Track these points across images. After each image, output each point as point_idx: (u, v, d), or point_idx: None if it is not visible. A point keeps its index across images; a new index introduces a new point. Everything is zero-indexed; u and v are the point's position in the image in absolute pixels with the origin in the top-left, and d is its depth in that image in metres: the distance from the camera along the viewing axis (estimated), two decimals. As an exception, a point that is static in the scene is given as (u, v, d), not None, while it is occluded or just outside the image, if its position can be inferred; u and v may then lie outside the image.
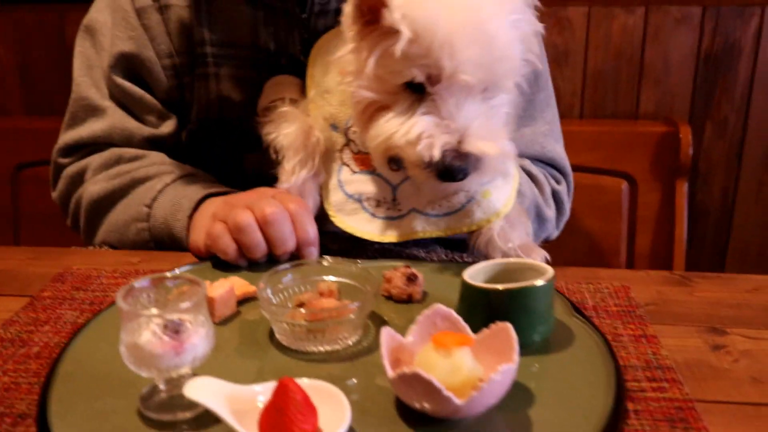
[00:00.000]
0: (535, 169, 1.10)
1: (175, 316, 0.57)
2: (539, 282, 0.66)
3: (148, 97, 1.06)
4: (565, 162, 1.16)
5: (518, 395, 0.61)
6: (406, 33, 0.74)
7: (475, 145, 0.76)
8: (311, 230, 0.85)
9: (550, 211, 1.10)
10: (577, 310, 0.75)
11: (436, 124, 0.77)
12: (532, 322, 0.67)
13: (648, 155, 1.60)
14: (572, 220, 1.21)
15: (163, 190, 0.99)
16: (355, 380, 0.64)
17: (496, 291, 0.66)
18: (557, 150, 1.14)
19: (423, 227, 0.89)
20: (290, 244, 0.85)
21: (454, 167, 0.76)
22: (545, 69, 1.13)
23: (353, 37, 0.81)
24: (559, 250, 1.17)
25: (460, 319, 0.64)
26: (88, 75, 1.08)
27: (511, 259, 0.74)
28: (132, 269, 0.91)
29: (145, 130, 1.07)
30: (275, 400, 0.52)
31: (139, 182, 1.01)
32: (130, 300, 0.59)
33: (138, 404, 0.60)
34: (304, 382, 0.56)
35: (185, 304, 0.57)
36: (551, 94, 1.15)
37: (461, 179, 0.78)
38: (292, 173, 0.92)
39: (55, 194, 1.12)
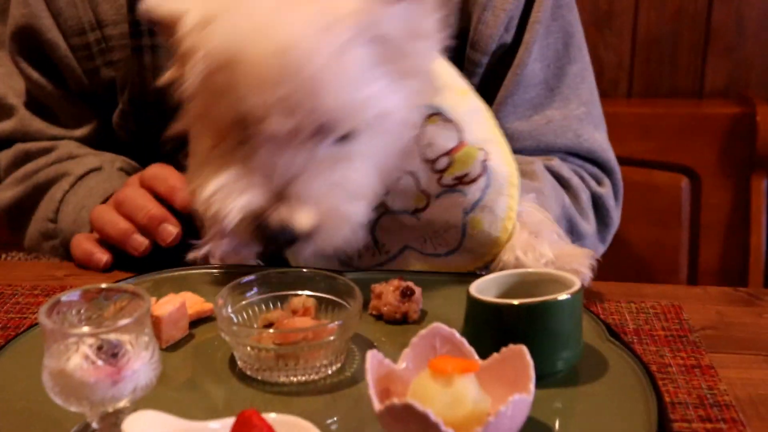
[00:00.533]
0: (567, 170, 1.13)
1: (112, 336, 0.60)
2: (562, 296, 0.70)
3: (56, 93, 1.14)
4: (609, 154, 1.19)
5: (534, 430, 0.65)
6: (196, 67, 0.76)
7: (290, 212, 0.77)
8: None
9: (587, 224, 1.13)
10: (613, 333, 0.79)
11: (242, 179, 0.78)
12: (554, 346, 0.71)
13: (715, 144, 1.64)
14: (618, 225, 1.25)
15: (63, 199, 1.09)
16: (335, 418, 0.67)
17: (510, 307, 0.70)
18: (597, 138, 1.17)
19: (424, 268, 0.93)
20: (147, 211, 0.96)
21: (266, 235, 0.77)
22: (578, 33, 1.16)
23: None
24: (599, 266, 1.21)
25: (464, 341, 0.68)
26: None
27: (530, 270, 0.78)
28: (56, 285, 0.95)
29: (50, 132, 1.17)
30: (235, 438, 0.56)
31: (43, 189, 1.11)
32: (56, 317, 0.63)
33: (66, 446, 0.63)
34: (270, 417, 0.59)
35: (124, 321, 0.60)
36: (587, 66, 1.18)
37: (286, 247, 0.80)
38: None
39: None
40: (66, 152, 1.14)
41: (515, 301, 0.70)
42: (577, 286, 0.72)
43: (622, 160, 1.22)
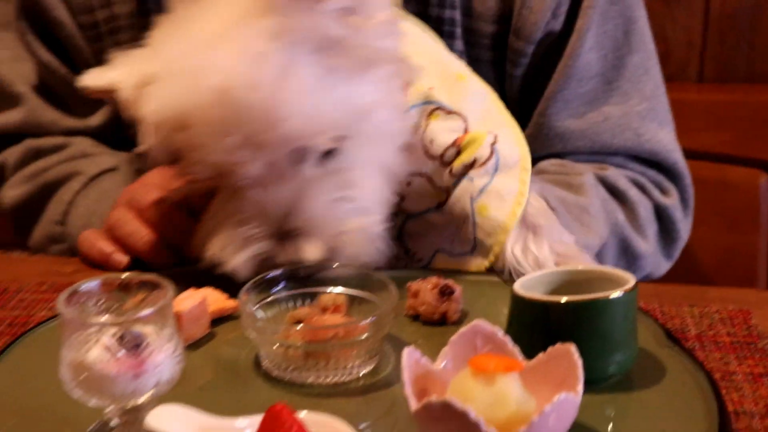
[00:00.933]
0: (624, 181, 1.16)
1: (133, 328, 0.67)
2: (615, 294, 0.75)
3: (70, 77, 1.19)
4: (676, 156, 1.21)
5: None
6: (149, 137, 0.85)
7: (296, 248, 0.86)
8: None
9: (644, 243, 1.16)
10: (672, 337, 0.83)
11: (242, 228, 0.87)
12: (605, 349, 0.76)
13: (799, 135, 1.67)
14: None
15: (73, 201, 1.15)
16: (368, 422, 0.73)
17: (557, 305, 0.75)
18: (661, 138, 1.18)
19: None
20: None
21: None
22: (640, 19, 1.18)
23: None
24: (663, 276, 1.24)
25: (507, 339, 0.73)
26: (0, 41, 1.23)
27: (580, 267, 0.83)
28: (64, 281, 1.01)
29: (64, 124, 1.23)
30: (264, 433, 0.62)
31: (52, 188, 1.18)
32: (74, 307, 0.69)
33: (83, 445, 0.70)
34: (301, 415, 0.65)
35: (147, 311, 0.66)
36: (651, 56, 1.20)
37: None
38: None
39: None
40: (80, 150, 1.21)
41: (563, 299, 0.76)
42: (631, 283, 0.77)
43: (690, 154, 1.25)
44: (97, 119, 1.24)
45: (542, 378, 0.70)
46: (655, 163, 1.20)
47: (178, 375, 0.69)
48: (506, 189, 0.96)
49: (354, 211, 0.88)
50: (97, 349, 0.66)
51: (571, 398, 0.65)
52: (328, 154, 0.87)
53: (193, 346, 0.85)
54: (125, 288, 0.72)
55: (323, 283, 0.87)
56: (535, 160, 1.16)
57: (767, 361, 0.83)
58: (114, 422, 0.70)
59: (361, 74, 0.87)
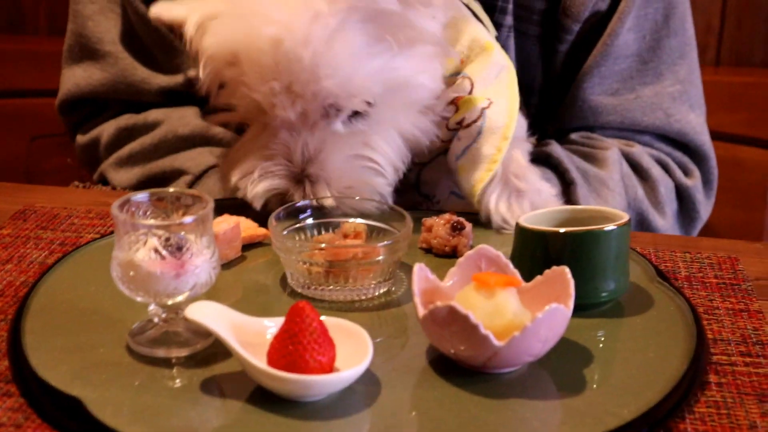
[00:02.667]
0: (647, 159, 1.20)
1: (177, 232, 0.75)
2: (609, 227, 0.83)
3: (162, 28, 1.21)
4: (703, 138, 1.25)
5: (574, 354, 0.78)
6: (202, 68, 0.94)
7: (311, 190, 0.95)
8: None
9: (661, 220, 1.20)
10: (662, 275, 0.91)
11: (264, 162, 0.96)
12: (598, 276, 0.84)
13: (811, 117, 1.72)
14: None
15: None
16: (381, 336, 0.81)
17: (555, 234, 0.83)
18: (691, 120, 1.22)
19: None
20: None
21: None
22: (681, 5, 1.23)
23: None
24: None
25: (509, 263, 0.81)
26: None
27: (581, 206, 0.90)
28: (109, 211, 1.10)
29: (156, 82, 1.25)
30: (288, 326, 0.70)
31: (158, 183, 1.22)
32: (126, 214, 0.78)
33: (127, 339, 0.79)
34: (322, 319, 0.73)
35: (189, 219, 0.75)
36: (689, 42, 1.25)
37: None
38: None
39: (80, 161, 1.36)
40: (171, 132, 1.23)
41: (561, 230, 0.84)
42: (624, 219, 0.85)
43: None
44: (183, 75, 1.26)
45: (539, 296, 0.78)
46: (683, 145, 1.24)
47: (214, 279, 0.78)
48: (483, 153, 1.02)
49: (367, 170, 0.98)
50: (145, 249, 0.75)
51: (561, 309, 0.72)
52: (357, 114, 0.96)
53: (226, 266, 0.93)
54: (171, 200, 0.80)
55: (346, 214, 0.95)
56: (566, 131, 1.25)
57: (748, 300, 0.90)
58: (156, 320, 0.79)
59: (402, 49, 0.95)
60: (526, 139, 1.09)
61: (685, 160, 1.25)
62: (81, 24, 1.27)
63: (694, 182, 1.24)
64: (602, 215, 0.88)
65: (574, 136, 1.24)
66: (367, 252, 0.85)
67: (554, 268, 0.79)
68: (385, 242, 0.85)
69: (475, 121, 1.01)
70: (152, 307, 0.78)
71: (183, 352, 0.77)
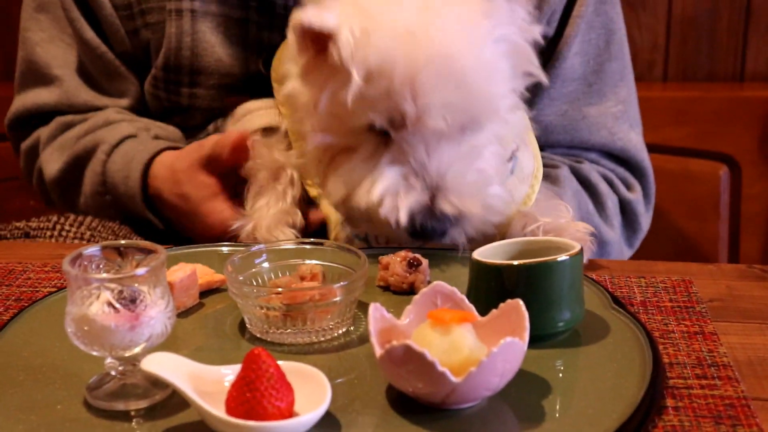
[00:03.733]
0: (595, 176, 1.27)
1: (130, 285, 0.75)
2: (561, 257, 0.84)
3: (109, 55, 1.29)
4: (643, 154, 1.33)
5: (533, 386, 0.79)
6: (356, 79, 0.92)
7: (451, 203, 0.95)
8: None
9: (612, 232, 1.27)
10: (618, 302, 0.92)
11: (403, 178, 0.95)
12: (554, 306, 0.85)
13: (756, 130, 1.76)
14: (651, 218, 1.37)
15: (104, 171, 1.25)
16: (342, 378, 0.81)
17: (510, 267, 0.84)
18: (632, 138, 1.31)
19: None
20: None
21: (427, 229, 0.95)
22: (619, 31, 1.31)
23: (301, 71, 1.00)
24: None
25: (464, 298, 0.82)
26: (35, 22, 1.31)
27: (534, 238, 0.91)
28: (66, 262, 1.10)
29: (98, 103, 1.31)
30: (244, 373, 0.70)
31: (83, 160, 1.27)
32: (78, 269, 0.78)
33: (85, 394, 0.78)
34: (279, 364, 0.73)
35: (142, 270, 0.75)
36: (627, 64, 1.33)
37: (440, 239, 0.97)
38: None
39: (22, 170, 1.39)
40: (102, 118, 1.29)
41: (515, 262, 0.84)
42: (576, 249, 0.86)
43: (656, 148, 1.36)
44: (127, 101, 1.33)
45: (495, 330, 0.79)
46: (624, 161, 1.32)
47: (170, 329, 0.78)
48: (518, 192, 1.07)
49: (489, 182, 0.98)
50: (98, 303, 0.75)
51: (516, 342, 0.73)
52: (480, 128, 0.98)
53: (183, 314, 0.93)
54: (122, 253, 0.80)
55: (301, 257, 0.95)
56: None
57: (702, 322, 0.92)
58: (113, 373, 0.78)
59: (513, 71, 0.99)
60: None
61: (627, 175, 1.32)
62: (30, 50, 1.33)
63: (636, 196, 1.31)
64: (555, 246, 0.89)
65: None
66: (323, 293, 0.85)
67: (509, 301, 0.79)
68: (342, 283, 0.86)
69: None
70: (109, 360, 0.78)
71: (142, 404, 0.77)
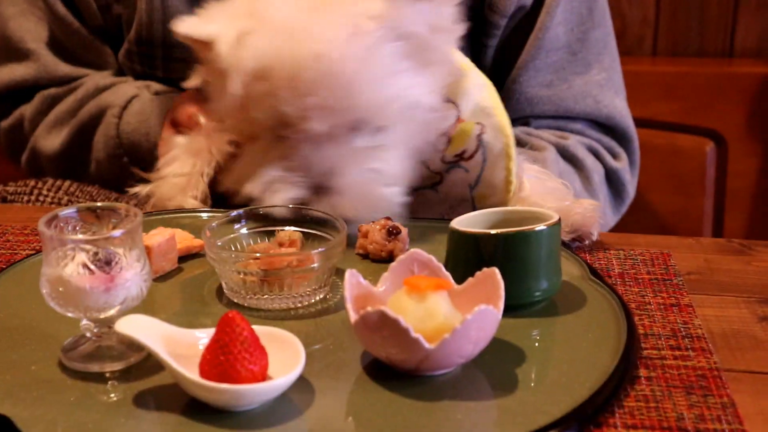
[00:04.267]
0: (582, 150, 1.27)
1: (106, 247, 0.75)
2: (539, 227, 0.84)
3: (83, 30, 1.28)
4: (628, 121, 1.34)
5: (508, 354, 0.79)
6: (235, 83, 0.93)
7: (329, 203, 0.95)
8: None
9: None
10: (595, 273, 0.93)
11: (287, 175, 0.96)
12: (531, 276, 0.85)
13: (744, 106, 1.76)
14: (637, 193, 1.38)
15: (118, 134, 1.24)
16: (319, 345, 0.81)
17: (487, 236, 0.84)
18: (617, 105, 1.31)
19: None
20: None
21: None
22: None
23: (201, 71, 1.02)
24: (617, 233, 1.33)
25: (441, 266, 0.82)
26: None
27: (513, 207, 0.91)
28: (46, 225, 1.09)
29: (78, 75, 1.30)
30: (218, 337, 0.70)
31: (89, 128, 1.26)
32: (54, 229, 0.78)
33: (60, 355, 0.78)
34: (254, 328, 0.73)
35: (118, 232, 0.75)
36: (610, 32, 1.32)
37: None
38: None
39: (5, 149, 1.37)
40: (93, 85, 1.28)
41: (493, 231, 0.84)
42: (554, 219, 0.86)
43: (644, 123, 1.36)
44: (108, 71, 1.32)
45: (471, 298, 0.79)
46: (610, 128, 1.32)
47: (145, 292, 0.78)
48: (496, 178, 1.06)
49: (383, 183, 0.98)
50: (73, 264, 0.74)
51: (490, 310, 0.73)
52: (377, 130, 0.98)
53: (162, 278, 0.93)
54: (99, 215, 0.80)
55: (281, 222, 0.95)
56: None
57: (679, 294, 0.92)
58: (88, 335, 0.78)
59: (422, 69, 0.98)
60: None
61: (613, 144, 1.32)
62: (2, 25, 1.32)
63: (622, 165, 1.31)
64: (534, 216, 0.89)
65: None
66: (301, 260, 0.86)
67: (485, 269, 0.79)
68: (319, 249, 0.86)
69: (476, 152, 1.04)
70: (84, 322, 0.78)
71: (117, 366, 0.77)
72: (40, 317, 0.84)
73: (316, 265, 0.86)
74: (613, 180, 1.31)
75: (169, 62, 1.26)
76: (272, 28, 0.94)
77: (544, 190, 1.08)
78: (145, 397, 0.73)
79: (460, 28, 0.99)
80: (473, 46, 1.28)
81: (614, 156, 1.32)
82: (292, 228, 0.94)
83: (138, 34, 1.26)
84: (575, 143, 1.27)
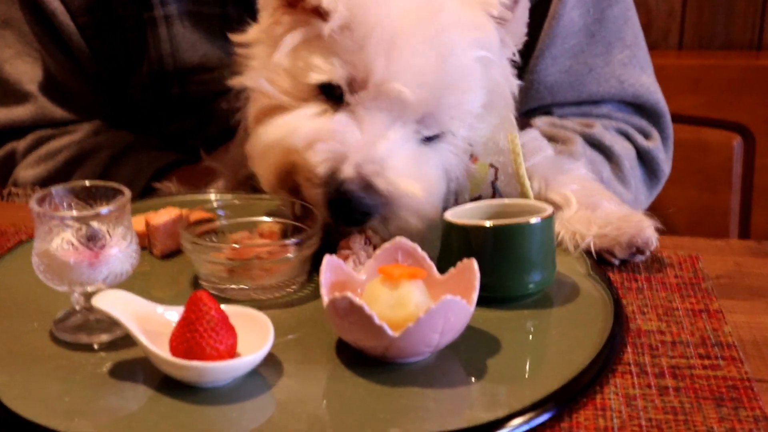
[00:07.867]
0: (609, 137, 1.19)
1: (93, 224, 0.73)
2: (533, 220, 0.80)
3: (78, 75, 1.23)
4: (657, 96, 1.24)
5: (486, 345, 0.75)
6: (341, 12, 0.82)
7: (387, 179, 0.82)
8: None
9: (627, 193, 1.19)
10: (595, 268, 0.88)
11: (347, 137, 0.82)
12: (524, 269, 0.81)
13: (771, 100, 1.68)
14: (662, 188, 1.32)
15: (107, 168, 1.19)
16: (293, 331, 0.78)
17: (477, 228, 0.80)
18: (644, 81, 1.22)
19: None
20: None
21: (354, 198, 0.81)
22: None
23: (263, 27, 0.91)
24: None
25: (425, 256, 0.78)
26: (1, 39, 1.24)
27: (509, 200, 0.88)
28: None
29: (77, 116, 1.25)
30: (186, 315, 0.68)
31: (76, 162, 1.21)
32: (46, 206, 0.76)
33: (52, 327, 0.77)
34: (224, 307, 0.71)
35: (104, 210, 0.73)
36: (629, 6, 1.23)
37: (360, 221, 0.84)
38: None
39: None
40: (91, 130, 1.24)
41: (486, 223, 0.80)
42: (548, 212, 0.82)
43: (670, 117, 1.27)
44: (105, 111, 1.27)
45: (449, 288, 0.75)
46: (639, 106, 1.24)
47: (130, 270, 0.76)
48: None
49: (425, 189, 0.87)
50: (59, 240, 0.73)
51: (456, 301, 0.69)
52: (433, 138, 0.88)
53: (167, 257, 0.92)
54: (93, 194, 0.78)
55: (263, 215, 0.91)
56: (525, 114, 1.22)
57: (708, 299, 0.86)
58: (77, 306, 0.77)
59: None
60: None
61: (643, 123, 1.24)
62: None
63: (654, 144, 1.23)
64: (530, 208, 0.85)
65: (539, 123, 1.21)
66: (272, 251, 0.82)
67: (464, 260, 0.76)
68: (293, 240, 0.82)
69: (492, 196, 0.95)
70: (75, 296, 0.77)
71: (105, 338, 0.76)
72: (35, 294, 0.83)
73: (290, 255, 0.82)
74: (646, 160, 1.24)
75: (187, 87, 1.23)
76: None
77: (589, 205, 0.97)
78: (122, 370, 0.72)
79: (515, 86, 0.95)
80: None
81: (646, 135, 1.24)
82: (273, 219, 0.91)
83: (149, 67, 1.21)
84: (602, 130, 1.20)
